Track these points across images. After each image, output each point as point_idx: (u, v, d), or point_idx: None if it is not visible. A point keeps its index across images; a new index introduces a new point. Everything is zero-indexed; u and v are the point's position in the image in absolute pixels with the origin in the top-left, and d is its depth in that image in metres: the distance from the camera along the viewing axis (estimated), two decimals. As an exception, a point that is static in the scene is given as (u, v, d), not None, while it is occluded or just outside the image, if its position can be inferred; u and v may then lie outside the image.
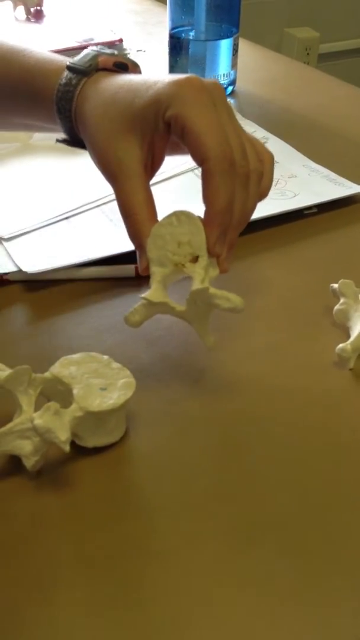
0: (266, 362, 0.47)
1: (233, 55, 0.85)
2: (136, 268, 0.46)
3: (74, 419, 0.37)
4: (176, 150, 0.47)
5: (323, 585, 0.34)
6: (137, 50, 0.97)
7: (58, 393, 0.40)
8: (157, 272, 0.42)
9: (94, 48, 0.49)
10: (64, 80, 0.48)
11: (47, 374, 0.40)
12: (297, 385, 0.45)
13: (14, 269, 0.53)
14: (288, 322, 0.50)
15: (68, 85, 0.48)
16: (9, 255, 0.54)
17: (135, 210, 0.44)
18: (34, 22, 0.99)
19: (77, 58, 0.49)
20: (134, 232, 0.44)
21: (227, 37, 0.83)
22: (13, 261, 0.54)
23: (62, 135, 0.51)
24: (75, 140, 0.50)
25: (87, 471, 0.39)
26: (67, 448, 0.36)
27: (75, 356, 0.41)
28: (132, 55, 0.92)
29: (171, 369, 0.46)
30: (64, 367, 0.40)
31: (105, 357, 0.41)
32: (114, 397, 0.38)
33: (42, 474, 0.38)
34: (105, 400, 0.38)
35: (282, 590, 0.34)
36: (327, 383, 0.45)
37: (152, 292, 0.42)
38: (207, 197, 0.42)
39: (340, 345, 0.46)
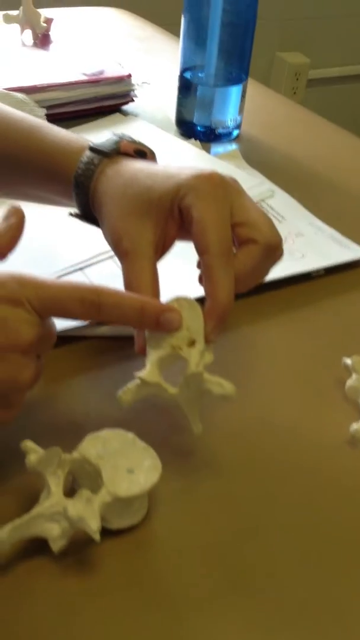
0: (280, 438, 0.48)
1: (241, 100, 0.86)
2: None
3: (103, 504, 0.38)
4: (188, 236, 0.49)
5: None
6: (142, 82, 0.97)
7: (85, 473, 0.40)
8: (153, 353, 0.44)
9: (117, 133, 0.53)
10: (85, 159, 0.51)
11: (75, 454, 0.40)
12: (312, 465, 0.46)
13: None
14: (299, 393, 0.52)
15: (89, 164, 0.50)
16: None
17: (140, 290, 0.45)
18: (40, 47, 0.99)
19: (99, 141, 0.52)
20: None
21: (237, 83, 0.84)
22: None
23: (74, 210, 0.53)
24: (87, 216, 0.52)
25: (110, 554, 0.39)
26: (97, 537, 0.37)
27: (102, 433, 0.42)
28: (137, 88, 0.93)
29: (188, 441, 0.47)
30: (91, 446, 0.40)
31: (130, 434, 0.42)
32: (141, 482, 0.39)
33: (66, 556, 0.39)
34: (132, 484, 0.39)
35: None
36: (341, 463, 0.46)
37: (147, 372, 0.43)
38: (207, 290, 0.45)
39: (355, 425, 0.47)
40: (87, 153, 0.51)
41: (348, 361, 0.51)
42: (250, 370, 0.53)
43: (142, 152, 0.52)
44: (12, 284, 0.39)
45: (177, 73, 0.86)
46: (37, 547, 0.39)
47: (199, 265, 0.47)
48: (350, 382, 0.50)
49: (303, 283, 0.62)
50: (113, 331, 0.54)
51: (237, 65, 0.84)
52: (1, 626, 0.36)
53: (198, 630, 0.36)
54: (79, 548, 0.39)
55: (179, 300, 0.45)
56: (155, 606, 0.37)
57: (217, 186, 0.46)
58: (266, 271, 0.49)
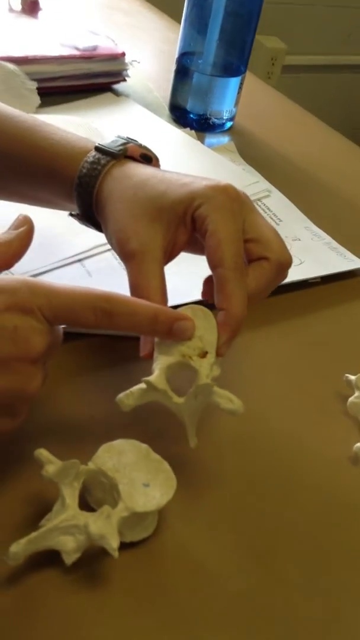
0: (283, 452, 0.48)
1: (238, 92, 0.84)
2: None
3: (120, 519, 0.37)
4: (195, 249, 0.48)
5: None
6: (132, 61, 0.94)
7: (99, 484, 0.40)
8: (162, 359, 0.43)
9: (122, 136, 0.51)
10: (91, 159, 0.49)
11: (91, 466, 0.39)
12: (314, 481, 0.46)
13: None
14: (299, 406, 0.52)
15: (95, 164, 0.49)
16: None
17: (149, 294, 0.44)
18: (29, 15, 0.95)
19: (106, 142, 0.50)
20: None
21: (236, 75, 0.83)
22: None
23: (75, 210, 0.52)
24: (88, 217, 0.51)
25: (122, 566, 0.39)
26: (116, 555, 0.36)
27: (116, 444, 0.41)
28: (130, 68, 0.91)
29: (191, 450, 0.46)
30: (107, 458, 0.40)
31: (144, 446, 0.41)
32: (157, 497, 0.39)
33: (77, 568, 0.38)
34: (149, 499, 0.38)
35: None
36: (343, 480, 0.47)
37: (155, 378, 0.42)
38: (221, 303, 0.44)
39: (358, 444, 0.48)
40: (93, 153, 0.49)
41: (351, 378, 0.51)
42: (250, 378, 0.53)
43: (148, 157, 0.51)
44: (23, 291, 0.38)
45: (166, 52, 0.84)
46: (47, 558, 0.38)
47: (206, 283, 0.47)
48: (352, 399, 0.51)
49: (300, 290, 0.62)
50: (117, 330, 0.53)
51: (237, 56, 0.83)
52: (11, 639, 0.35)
53: (210, 649, 0.37)
54: (90, 560, 0.39)
55: (194, 308, 0.44)
56: (167, 622, 0.37)
57: (233, 200, 0.46)
58: (273, 288, 0.48)
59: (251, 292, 0.45)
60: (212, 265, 0.44)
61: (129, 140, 0.51)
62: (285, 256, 0.47)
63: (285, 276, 0.48)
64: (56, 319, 0.39)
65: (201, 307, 0.44)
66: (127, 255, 0.45)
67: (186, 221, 0.46)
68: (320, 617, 0.39)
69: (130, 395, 0.42)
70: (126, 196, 0.47)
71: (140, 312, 0.41)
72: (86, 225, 0.52)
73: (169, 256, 0.47)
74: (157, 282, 0.45)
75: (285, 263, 0.47)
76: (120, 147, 0.50)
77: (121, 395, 0.42)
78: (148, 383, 0.42)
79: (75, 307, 0.39)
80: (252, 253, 0.46)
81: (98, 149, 0.50)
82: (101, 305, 0.40)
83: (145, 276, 0.45)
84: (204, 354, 0.43)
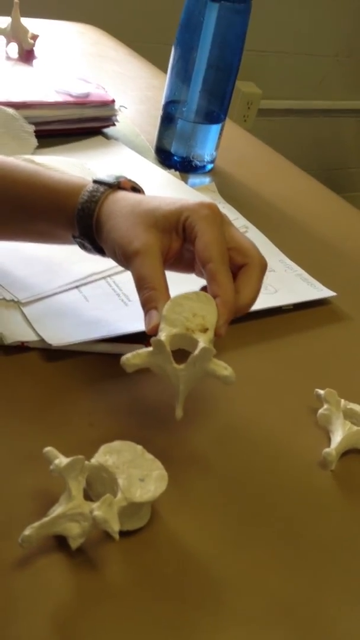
0: (262, 457, 0.54)
1: (218, 138, 0.92)
2: (146, 345, 0.51)
3: (120, 508, 0.43)
4: (184, 266, 0.56)
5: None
6: (120, 106, 1.02)
7: (100, 479, 0.45)
8: (167, 329, 0.49)
9: (115, 173, 0.59)
10: (90, 188, 0.57)
11: (94, 462, 0.45)
12: (288, 482, 0.52)
13: (34, 337, 0.57)
14: (276, 417, 0.58)
15: (95, 192, 0.56)
16: (28, 322, 0.59)
17: (155, 282, 0.51)
18: (25, 62, 1.02)
19: (102, 176, 0.58)
20: (150, 297, 0.51)
21: (216, 122, 0.91)
22: (33, 329, 0.58)
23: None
24: (88, 239, 0.57)
25: (120, 551, 0.44)
26: (117, 537, 0.42)
27: (114, 444, 0.47)
28: (119, 114, 0.98)
29: (181, 455, 0.52)
30: (107, 456, 0.45)
31: (139, 447, 0.47)
32: (151, 489, 0.44)
33: (81, 553, 0.43)
34: (144, 492, 0.44)
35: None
36: (313, 482, 0.53)
37: (164, 337, 0.48)
38: (215, 291, 0.51)
39: (327, 449, 0.54)
40: (92, 184, 0.57)
41: (321, 392, 0.58)
42: (231, 393, 0.59)
43: (137, 190, 0.59)
44: None
45: (151, 98, 0.92)
46: (54, 545, 0.43)
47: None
48: (321, 411, 0.57)
49: (275, 316, 0.69)
50: (113, 349, 0.59)
51: (217, 105, 0.91)
52: (22, 615, 0.40)
53: (200, 620, 0.42)
54: (92, 547, 0.44)
55: (199, 294, 0.51)
56: (161, 599, 0.43)
57: (216, 214, 0.54)
58: (259, 291, 0.55)
59: (247, 295, 0.53)
60: (203, 263, 0.52)
61: (121, 176, 0.59)
62: (263, 260, 0.55)
63: (262, 280, 0.55)
64: None
65: (205, 293, 0.51)
66: (131, 254, 0.52)
67: (178, 230, 0.53)
68: (296, 598, 0.45)
69: (137, 356, 0.48)
70: (124, 212, 0.54)
71: None
72: (86, 248, 0.58)
73: (165, 259, 0.54)
74: (160, 273, 0.52)
75: (264, 265, 0.55)
76: (115, 180, 0.58)
77: (128, 355, 0.48)
78: (157, 342, 0.48)
79: None
80: (235, 260, 0.54)
81: (96, 181, 0.57)
82: None
83: (150, 268, 0.52)
84: (205, 330, 0.50)
